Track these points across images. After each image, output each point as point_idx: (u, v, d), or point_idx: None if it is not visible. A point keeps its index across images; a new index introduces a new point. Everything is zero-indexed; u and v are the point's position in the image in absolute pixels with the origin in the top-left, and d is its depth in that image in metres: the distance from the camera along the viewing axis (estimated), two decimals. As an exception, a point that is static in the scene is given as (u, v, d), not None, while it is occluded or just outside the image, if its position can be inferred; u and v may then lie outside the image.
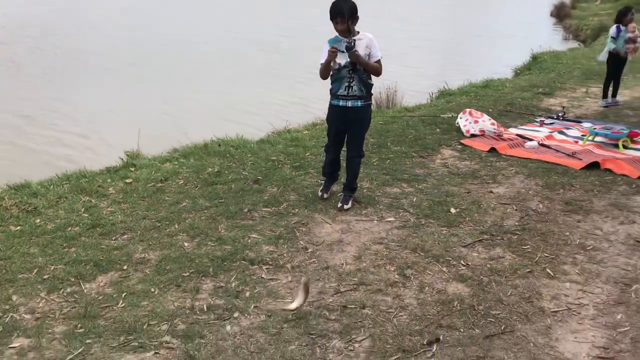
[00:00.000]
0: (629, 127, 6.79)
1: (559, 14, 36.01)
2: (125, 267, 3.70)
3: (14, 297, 3.33)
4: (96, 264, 3.72)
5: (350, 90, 4.39)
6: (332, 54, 4.22)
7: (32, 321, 3.14)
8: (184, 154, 5.97)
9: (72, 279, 3.55)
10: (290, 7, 32.79)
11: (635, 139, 6.46)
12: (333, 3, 4.25)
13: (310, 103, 10.47)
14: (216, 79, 13.37)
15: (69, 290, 3.45)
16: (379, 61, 4.36)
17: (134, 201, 4.73)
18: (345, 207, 4.60)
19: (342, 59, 4.28)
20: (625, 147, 6.25)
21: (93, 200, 4.71)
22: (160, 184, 5.09)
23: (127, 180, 5.12)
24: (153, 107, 10.11)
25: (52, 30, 20.90)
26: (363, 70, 4.34)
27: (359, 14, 4.29)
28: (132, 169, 5.42)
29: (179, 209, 4.58)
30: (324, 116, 7.90)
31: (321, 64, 4.35)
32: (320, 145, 6.21)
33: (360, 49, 4.26)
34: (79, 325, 3.10)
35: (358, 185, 4.82)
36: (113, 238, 4.10)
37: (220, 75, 13.75)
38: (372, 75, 4.46)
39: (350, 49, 4.18)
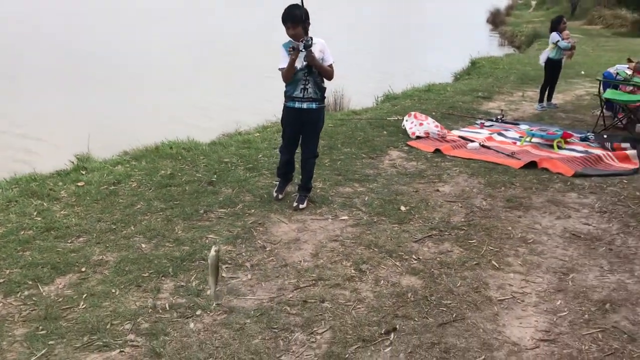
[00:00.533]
0: (562, 129, 7.22)
1: (495, 21, 37.44)
2: (83, 269, 3.70)
3: (-30, 302, 3.29)
4: (53, 266, 3.70)
5: (305, 92, 4.53)
6: (295, 52, 4.33)
7: (-9, 325, 3.12)
8: (135, 156, 5.95)
9: (30, 282, 3.52)
10: (240, 8, 32.74)
11: (568, 139, 6.88)
12: (285, 9, 4.38)
13: (259, 105, 10.56)
14: (164, 82, 13.25)
15: (26, 293, 3.42)
16: (331, 65, 4.52)
17: (87, 204, 4.70)
18: (301, 206, 4.73)
19: (298, 63, 4.41)
20: (559, 147, 6.65)
21: (45, 204, 4.65)
22: (113, 187, 5.07)
23: (79, 184, 5.08)
24: (102, 111, 9.95)
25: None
26: (317, 73, 4.49)
27: (310, 20, 4.45)
28: (84, 172, 5.37)
29: (134, 211, 4.59)
30: (274, 118, 8.05)
31: (280, 68, 4.47)
32: (272, 147, 6.34)
33: (315, 53, 4.40)
34: (40, 327, 3.10)
35: (312, 185, 4.95)
36: (69, 241, 4.08)
37: (168, 78, 13.64)
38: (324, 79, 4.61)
39: (308, 46, 4.32)
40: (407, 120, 7.26)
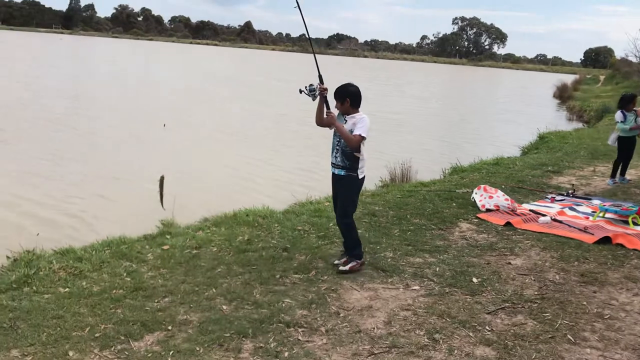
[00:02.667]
0: (637, 205, 7.09)
1: (562, 96, 37.27)
2: (170, 328, 3.93)
3: (70, 353, 3.56)
4: (143, 324, 3.95)
5: (336, 159, 4.95)
6: (321, 97, 4.88)
7: (89, 375, 3.36)
8: (214, 222, 6.30)
9: (122, 337, 3.78)
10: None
11: (643, 215, 6.76)
12: None
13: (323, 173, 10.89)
14: (230, 150, 13.82)
15: (119, 347, 3.67)
16: (358, 137, 4.76)
17: (171, 266, 5.01)
18: (341, 267, 4.96)
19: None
20: (635, 223, 6.54)
21: (134, 265, 4.99)
22: (195, 251, 5.38)
23: (164, 247, 5.42)
24: (180, 176, 10.48)
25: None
26: (345, 144, 4.83)
27: (351, 98, 4.85)
28: (168, 237, 5.73)
29: (215, 275, 4.85)
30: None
31: None
32: (343, 216, 6.54)
33: (348, 125, 4.84)
34: (134, 380, 3.31)
35: (361, 252, 5.07)
36: (155, 300, 4.35)
37: (232, 148, 14.25)
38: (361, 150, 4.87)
39: (312, 90, 4.86)
40: (476, 193, 7.35)
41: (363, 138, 4.78)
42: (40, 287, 4.48)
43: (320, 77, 4.98)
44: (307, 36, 5.40)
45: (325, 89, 4.90)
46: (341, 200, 5.06)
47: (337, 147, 4.92)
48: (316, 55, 5.32)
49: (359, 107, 4.91)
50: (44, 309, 4.10)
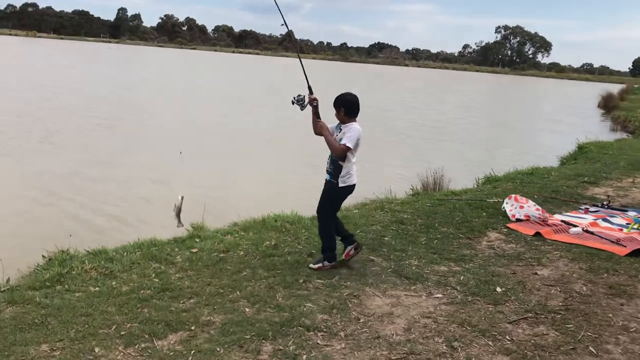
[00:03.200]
0: (674, 217, 6.90)
1: (607, 105, 36.36)
2: (193, 328, 4.04)
3: (96, 349, 3.70)
4: (167, 323, 4.07)
5: (327, 165, 5.10)
6: (311, 107, 5.08)
7: (113, 371, 3.49)
8: (243, 227, 6.42)
9: (146, 336, 3.90)
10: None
11: (681, 228, 6.57)
12: None
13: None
14: (264, 155, 14.01)
15: (143, 345, 3.79)
16: (342, 146, 4.86)
17: (199, 269, 5.13)
18: (311, 265, 5.22)
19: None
20: (670, 236, 6.36)
21: (162, 267, 5.14)
22: (222, 254, 5.50)
23: (193, 250, 5.56)
24: (213, 181, 10.70)
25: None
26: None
27: (345, 107, 4.95)
28: (197, 240, 5.87)
29: (240, 278, 4.95)
30: (373, 196, 8.34)
31: None
32: (370, 223, 6.58)
33: (340, 134, 4.95)
34: (155, 377, 3.42)
35: (334, 256, 5.24)
36: (181, 301, 4.47)
37: (269, 155, 14.43)
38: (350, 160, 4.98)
39: (299, 101, 5.01)
40: (507, 203, 7.27)
41: (348, 148, 4.86)
42: (72, 285, 4.67)
43: (309, 87, 5.12)
44: (301, 45, 5.62)
45: (315, 99, 5.04)
46: (320, 199, 5.20)
47: (330, 155, 5.05)
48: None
49: (354, 116, 4.99)
50: (74, 306, 4.27)
